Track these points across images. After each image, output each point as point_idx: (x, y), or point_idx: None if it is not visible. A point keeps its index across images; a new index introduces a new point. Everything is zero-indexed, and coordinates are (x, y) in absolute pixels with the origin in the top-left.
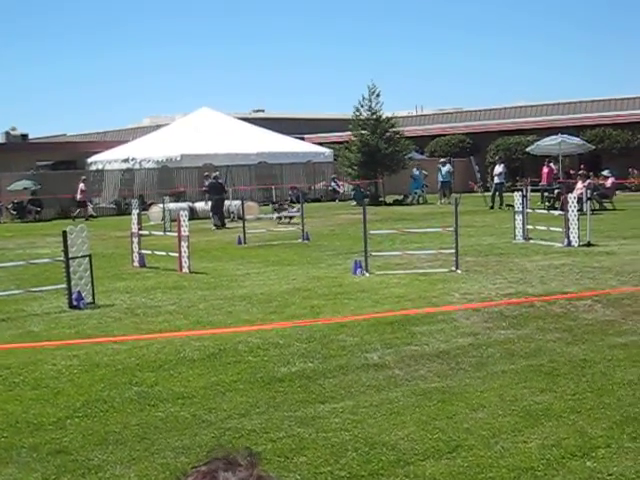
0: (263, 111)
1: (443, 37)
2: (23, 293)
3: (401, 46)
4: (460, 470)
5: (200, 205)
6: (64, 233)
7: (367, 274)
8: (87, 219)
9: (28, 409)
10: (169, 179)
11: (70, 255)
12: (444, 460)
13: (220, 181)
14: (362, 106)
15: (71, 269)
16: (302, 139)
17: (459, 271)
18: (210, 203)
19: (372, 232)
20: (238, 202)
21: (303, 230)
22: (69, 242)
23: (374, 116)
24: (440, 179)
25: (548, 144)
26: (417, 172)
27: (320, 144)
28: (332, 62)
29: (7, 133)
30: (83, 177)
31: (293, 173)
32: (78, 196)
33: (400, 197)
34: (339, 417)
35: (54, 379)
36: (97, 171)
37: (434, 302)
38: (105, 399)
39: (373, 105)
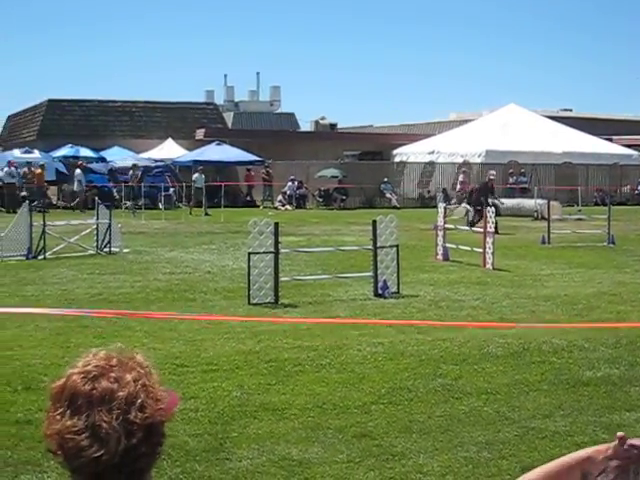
0: (571, 110)
1: None
2: (330, 278)
3: None
4: None
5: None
6: (374, 222)
7: None
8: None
9: (334, 391)
10: (472, 174)
11: (378, 244)
12: None
13: (489, 179)
14: None
15: (378, 258)
16: (610, 140)
17: None
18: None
19: None
20: (542, 201)
21: (609, 233)
22: (378, 231)
23: None
24: None
25: None
26: None
27: (629, 146)
28: None
29: (317, 122)
30: (463, 169)
31: (598, 174)
32: (458, 186)
33: None
34: None
35: (359, 364)
36: (400, 163)
37: None
38: (409, 388)
39: None
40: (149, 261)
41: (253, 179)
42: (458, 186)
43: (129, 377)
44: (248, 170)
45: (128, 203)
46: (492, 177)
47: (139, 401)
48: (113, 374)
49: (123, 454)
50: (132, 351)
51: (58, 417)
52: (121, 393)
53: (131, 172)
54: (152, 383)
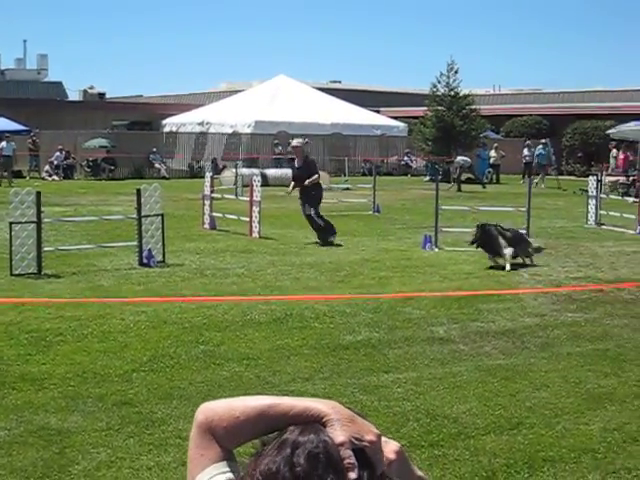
0: (340, 82)
1: (523, 18)
2: (94, 248)
3: (481, 24)
4: (520, 447)
5: (271, 172)
6: (138, 191)
7: (436, 249)
8: None
9: (95, 360)
10: (241, 145)
11: (143, 213)
12: (505, 436)
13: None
14: (439, 82)
15: (143, 227)
16: (377, 112)
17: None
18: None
19: (444, 207)
20: None
21: (374, 202)
22: (142, 200)
23: (451, 92)
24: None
25: (633, 129)
26: (483, 152)
27: (395, 118)
28: (411, 37)
29: (85, 91)
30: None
31: (367, 145)
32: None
33: (472, 176)
34: (402, 387)
35: (122, 333)
36: (170, 133)
37: (502, 281)
38: (171, 355)
39: (451, 81)
40: None
41: None
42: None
43: None
44: None
45: None
46: None
47: None
48: None
49: None
50: None
51: None
52: None
53: None
54: None
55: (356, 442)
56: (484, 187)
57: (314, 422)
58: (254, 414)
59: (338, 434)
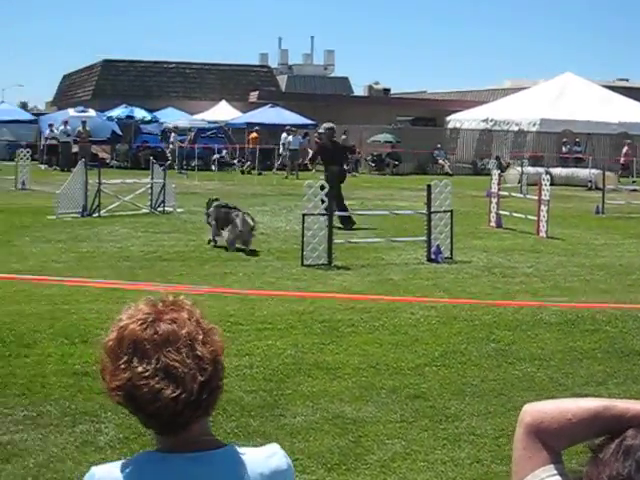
0: (627, 80)
1: None
2: (383, 242)
3: None
4: None
5: (557, 171)
6: (428, 187)
7: None
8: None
9: (387, 353)
10: (527, 143)
11: (432, 209)
12: None
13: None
14: None
15: (432, 223)
16: None
17: None
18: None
19: None
20: (597, 171)
21: None
22: (432, 196)
23: None
24: None
25: None
26: None
27: None
28: None
29: (370, 87)
30: (628, 141)
31: None
32: (622, 159)
33: None
34: None
35: (412, 327)
36: (454, 129)
37: None
38: (463, 352)
39: None
40: (202, 221)
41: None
42: (622, 158)
43: (184, 316)
44: (256, 131)
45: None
46: None
47: (200, 337)
48: (168, 316)
49: (199, 390)
50: (171, 294)
51: (123, 367)
52: (183, 331)
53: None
54: (202, 319)
55: None
56: None
57: None
58: (588, 416)
59: None
